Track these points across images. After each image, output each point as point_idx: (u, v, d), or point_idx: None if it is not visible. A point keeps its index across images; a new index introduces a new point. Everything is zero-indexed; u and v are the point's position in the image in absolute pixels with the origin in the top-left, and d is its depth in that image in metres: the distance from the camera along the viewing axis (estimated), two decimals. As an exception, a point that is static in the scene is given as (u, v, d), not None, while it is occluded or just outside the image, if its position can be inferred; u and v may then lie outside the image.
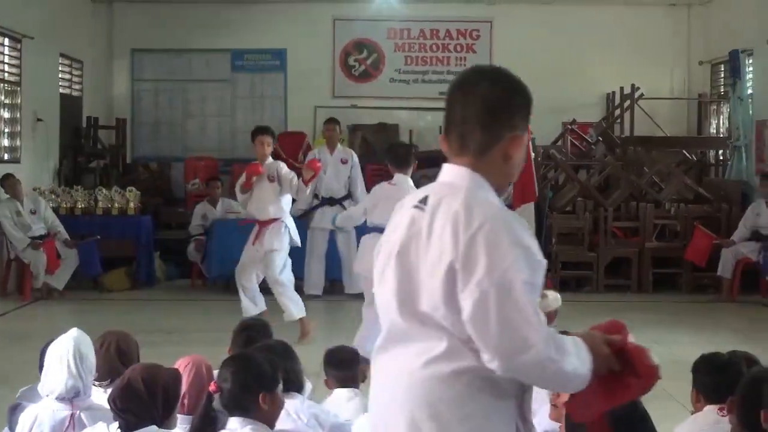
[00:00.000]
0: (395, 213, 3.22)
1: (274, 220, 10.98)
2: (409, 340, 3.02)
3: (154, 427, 4.32)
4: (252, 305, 11.14)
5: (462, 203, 2.94)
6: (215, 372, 4.82)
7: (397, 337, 3.08)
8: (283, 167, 11.08)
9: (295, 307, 10.96)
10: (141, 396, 4.33)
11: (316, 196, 13.80)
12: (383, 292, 3.14)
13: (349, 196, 14.09)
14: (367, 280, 8.83)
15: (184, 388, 4.67)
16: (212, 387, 4.28)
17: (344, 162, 14.08)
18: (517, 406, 3.01)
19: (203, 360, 4.89)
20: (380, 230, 9.25)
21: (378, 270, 3.18)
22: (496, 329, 2.81)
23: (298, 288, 11.68)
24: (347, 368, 5.79)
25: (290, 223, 11.15)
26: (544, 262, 2.97)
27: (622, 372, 3.04)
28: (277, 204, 11.00)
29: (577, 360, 2.92)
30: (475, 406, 2.94)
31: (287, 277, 11.01)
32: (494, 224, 2.89)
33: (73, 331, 4.95)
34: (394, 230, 3.14)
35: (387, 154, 9.96)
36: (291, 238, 11.07)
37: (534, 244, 2.95)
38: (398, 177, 9.45)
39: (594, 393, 3.04)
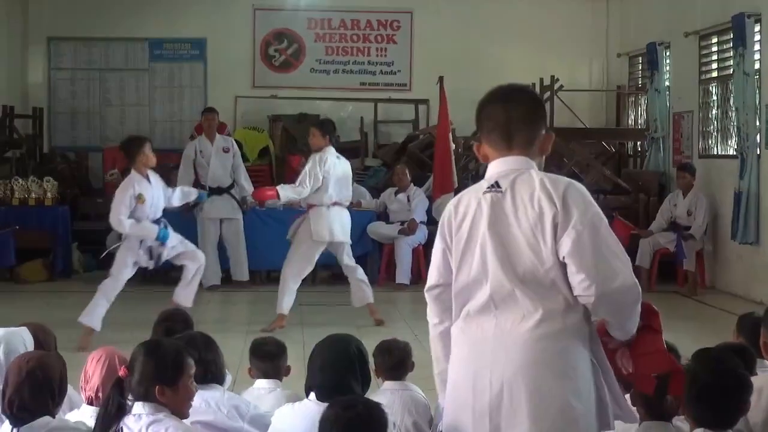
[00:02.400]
0: (457, 205, 3.86)
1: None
2: (515, 304, 3.67)
3: (47, 418, 4.24)
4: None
5: (541, 175, 3.71)
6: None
7: (497, 302, 3.69)
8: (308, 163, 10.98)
9: (287, 301, 10.91)
10: (41, 388, 4.23)
11: (202, 186, 13.34)
12: (467, 271, 3.76)
13: (235, 184, 14.00)
14: None
15: (97, 381, 4.59)
16: (122, 372, 4.16)
17: (226, 150, 13.96)
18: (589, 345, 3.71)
19: (115, 351, 4.82)
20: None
21: (456, 254, 3.81)
22: (591, 259, 3.57)
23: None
24: (272, 360, 5.78)
25: (312, 214, 10.96)
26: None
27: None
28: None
29: None
30: (574, 353, 3.64)
31: (290, 271, 10.94)
32: (574, 185, 3.69)
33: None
34: (466, 217, 3.78)
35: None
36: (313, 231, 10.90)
37: None
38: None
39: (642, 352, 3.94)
